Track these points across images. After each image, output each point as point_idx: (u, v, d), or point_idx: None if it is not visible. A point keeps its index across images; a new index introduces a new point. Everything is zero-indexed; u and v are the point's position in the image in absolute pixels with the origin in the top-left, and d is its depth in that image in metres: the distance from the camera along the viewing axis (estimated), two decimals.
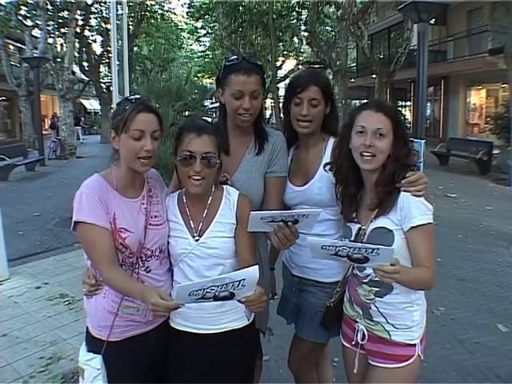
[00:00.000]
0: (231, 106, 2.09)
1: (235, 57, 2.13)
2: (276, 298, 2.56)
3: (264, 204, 2.19)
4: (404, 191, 1.82)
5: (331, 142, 2.25)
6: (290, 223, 1.74)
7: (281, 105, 2.50)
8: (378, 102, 1.93)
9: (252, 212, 1.68)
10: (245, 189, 2.07)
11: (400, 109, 24.46)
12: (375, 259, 1.55)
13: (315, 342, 2.31)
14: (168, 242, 1.95)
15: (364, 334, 1.97)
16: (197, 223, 1.91)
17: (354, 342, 2.03)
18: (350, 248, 1.56)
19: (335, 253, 1.59)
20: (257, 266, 1.50)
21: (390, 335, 1.89)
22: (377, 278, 1.83)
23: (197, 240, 1.89)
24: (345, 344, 2.11)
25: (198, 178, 1.82)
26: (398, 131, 1.86)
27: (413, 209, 1.78)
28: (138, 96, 1.87)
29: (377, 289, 1.90)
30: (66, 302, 4.49)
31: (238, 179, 2.14)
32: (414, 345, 1.88)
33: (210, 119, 2.29)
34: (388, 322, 1.89)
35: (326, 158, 2.21)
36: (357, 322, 2.01)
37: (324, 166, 2.18)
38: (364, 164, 1.87)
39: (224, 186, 2.00)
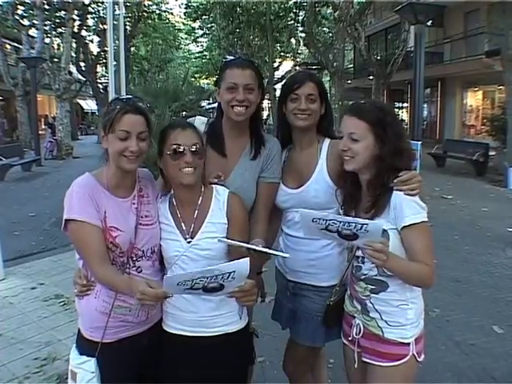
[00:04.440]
0: (225, 99, 2.08)
1: (233, 56, 2.17)
2: (270, 299, 2.54)
3: (253, 209, 2.17)
4: (397, 190, 1.82)
5: (326, 143, 2.25)
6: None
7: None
8: (355, 106, 1.97)
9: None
10: (238, 193, 2.06)
11: (396, 109, 24.50)
12: (364, 236, 1.60)
13: (311, 347, 2.30)
14: (160, 245, 1.94)
15: (360, 328, 1.99)
16: (188, 225, 1.91)
17: (350, 338, 2.05)
18: (340, 222, 1.60)
19: (325, 227, 1.62)
20: (247, 259, 1.49)
21: (382, 332, 1.90)
22: (373, 277, 1.90)
23: (189, 242, 1.88)
24: (344, 341, 2.14)
25: (189, 167, 1.83)
26: (380, 133, 1.86)
27: (405, 208, 1.79)
28: (129, 96, 1.88)
29: (372, 286, 1.93)
30: (62, 303, 4.49)
31: (232, 182, 2.12)
32: (408, 344, 1.88)
33: (206, 119, 2.30)
34: (382, 319, 1.91)
35: (322, 159, 2.21)
36: (354, 317, 2.03)
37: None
38: (345, 165, 1.94)
39: (213, 186, 2.00)
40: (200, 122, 2.25)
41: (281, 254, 1.81)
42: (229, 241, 1.78)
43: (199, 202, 1.93)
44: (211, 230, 1.89)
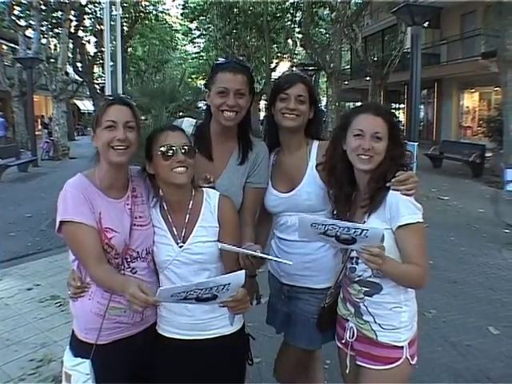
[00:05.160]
0: (215, 103, 2.05)
1: (224, 59, 2.14)
2: (265, 300, 2.53)
3: (239, 213, 2.13)
4: (393, 190, 1.83)
5: (315, 145, 2.24)
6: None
7: None
8: (376, 106, 1.99)
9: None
10: None
11: (394, 111, 24.54)
12: (363, 241, 1.59)
13: (307, 349, 2.29)
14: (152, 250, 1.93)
15: (353, 332, 1.99)
16: (180, 229, 1.90)
17: (344, 341, 2.05)
18: (340, 227, 1.59)
19: (324, 232, 1.61)
20: (243, 271, 1.48)
21: (376, 335, 1.90)
22: (367, 278, 1.89)
23: (180, 246, 1.87)
24: (338, 344, 2.13)
25: (181, 167, 1.81)
26: (394, 134, 1.90)
27: (401, 208, 1.79)
28: (120, 96, 1.89)
29: (366, 289, 1.92)
30: (57, 304, 4.47)
31: (219, 186, 2.09)
32: (401, 347, 1.88)
33: (194, 121, 2.27)
34: (375, 322, 1.91)
35: (312, 161, 2.19)
36: (348, 320, 2.03)
37: (316, 166, 2.16)
38: (362, 165, 1.89)
39: (204, 190, 1.98)
40: (188, 123, 2.21)
41: (283, 260, 1.79)
42: (229, 247, 1.74)
43: (190, 206, 1.91)
44: (202, 234, 1.88)
